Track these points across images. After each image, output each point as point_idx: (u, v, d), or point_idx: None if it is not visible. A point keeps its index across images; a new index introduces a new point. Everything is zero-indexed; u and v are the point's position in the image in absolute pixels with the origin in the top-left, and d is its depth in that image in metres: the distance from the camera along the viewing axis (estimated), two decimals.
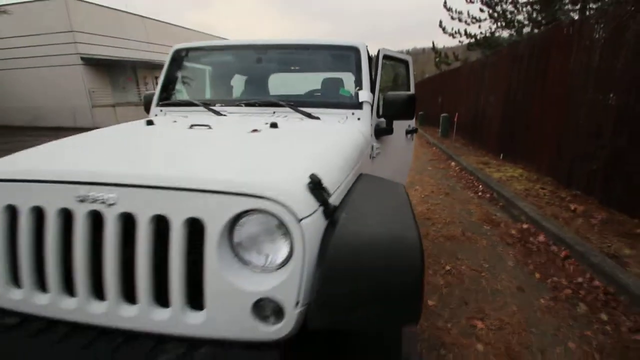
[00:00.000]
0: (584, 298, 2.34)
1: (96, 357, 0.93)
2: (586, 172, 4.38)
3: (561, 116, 5.04)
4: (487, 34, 11.76)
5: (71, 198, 0.96)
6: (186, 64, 2.41)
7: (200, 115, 2.05)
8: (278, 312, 0.90)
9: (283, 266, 0.91)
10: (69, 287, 1.01)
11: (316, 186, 0.96)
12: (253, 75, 2.43)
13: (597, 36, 4.63)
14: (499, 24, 11.78)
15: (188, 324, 0.94)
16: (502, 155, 7.16)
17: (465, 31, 12.66)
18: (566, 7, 11.47)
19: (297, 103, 2.02)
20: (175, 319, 0.94)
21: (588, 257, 2.72)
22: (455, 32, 11.94)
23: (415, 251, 0.88)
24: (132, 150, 1.25)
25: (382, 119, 2.21)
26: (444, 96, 12.92)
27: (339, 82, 2.30)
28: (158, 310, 0.95)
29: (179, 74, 2.39)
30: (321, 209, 0.96)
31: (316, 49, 2.25)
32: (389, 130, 2.20)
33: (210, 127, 1.52)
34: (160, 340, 0.96)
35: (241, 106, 2.10)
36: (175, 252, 0.92)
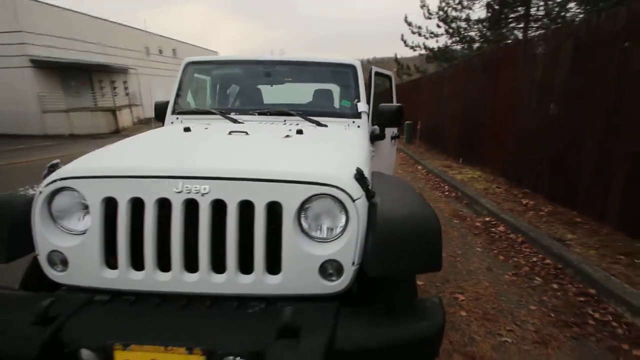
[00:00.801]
0: (538, 273, 2.85)
1: (194, 314, 1.16)
2: (533, 173, 5.08)
3: (511, 124, 5.77)
4: (444, 48, 12.81)
5: (170, 190, 1.19)
6: (197, 75, 2.62)
7: (219, 122, 2.27)
8: (339, 271, 1.20)
9: (341, 235, 1.21)
10: (160, 264, 1.23)
11: (360, 177, 1.28)
12: (261, 86, 2.69)
13: (539, 54, 5.41)
14: (454, 39, 12.89)
15: (268, 285, 1.20)
16: (461, 159, 7.90)
17: (424, 44, 13.71)
18: (510, 25, 12.83)
19: (306, 112, 2.33)
20: (257, 282, 1.20)
21: (540, 241, 3.27)
22: (416, 46, 12.89)
23: (433, 220, 1.23)
24: (203, 151, 1.49)
25: (376, 126, 2.57)
26: (406, 105, 13.75)
27: (337, 94, 2.63)
28: (243, 276, 1.21)
29: (190, 85, 2.59)
30: (364, 193, 1.27)
31: (318, 66, 2.58)
32: (381, 136, 2.56)
33: (247, 133, 1.78)
34: (241, 300, 1.22)
35: (254, 115, 2.36)
36: (259, 229, 1.18)
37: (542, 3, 11.03)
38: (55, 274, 1.27)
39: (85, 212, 1.26)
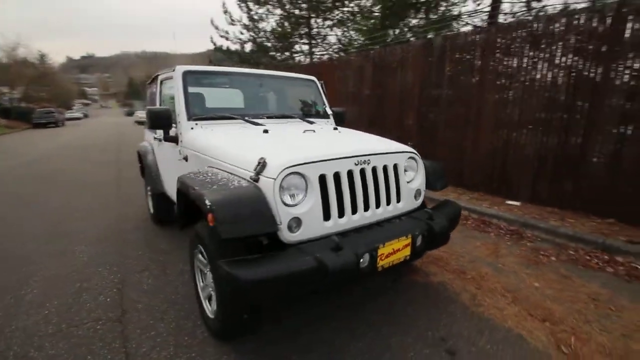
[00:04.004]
0: None
1: (383, 229, 2.04)
2: None
3: None
4: (251, 53, 14.32)
5: (352, 164, 1.97)
6: (197, 84, 2.83)
7: (241, 125, 2.74)
8: (419, 194, 2.38)
9: (417, 176, 2.38)
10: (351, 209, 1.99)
11: (414, 147, 2.48)
12: (254, 94, 3.19)
13: (348, 71, 7.78)
14: (256, 46, 14.58)
15: (397, 209, 2.23)
16: None
17: (228, 48, 14.70)
18: (293, 40, 15.75)
19: (300, 115, 3.16)
20: (394, 209, 2.20)
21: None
22: (226, 49, 13.70)
23: (441, 163, 2.63)
24: (342, 141, 2.31)
25: None
26: None
27: (313, 101, 3.51)
28: (387, 207, 2.17)
29: (195, 92, 2.79)
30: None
31: (293, 80, 3.40)
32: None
33: (314, 131, 2.52)
34: (388, 220, 2.19)
35: (264, 118, 2.94)
36: (392, 179, 2.18)
37: (318, 24, 14.40)
38: (291, 235, 1.77)
39: (305, 186, 1.82)
